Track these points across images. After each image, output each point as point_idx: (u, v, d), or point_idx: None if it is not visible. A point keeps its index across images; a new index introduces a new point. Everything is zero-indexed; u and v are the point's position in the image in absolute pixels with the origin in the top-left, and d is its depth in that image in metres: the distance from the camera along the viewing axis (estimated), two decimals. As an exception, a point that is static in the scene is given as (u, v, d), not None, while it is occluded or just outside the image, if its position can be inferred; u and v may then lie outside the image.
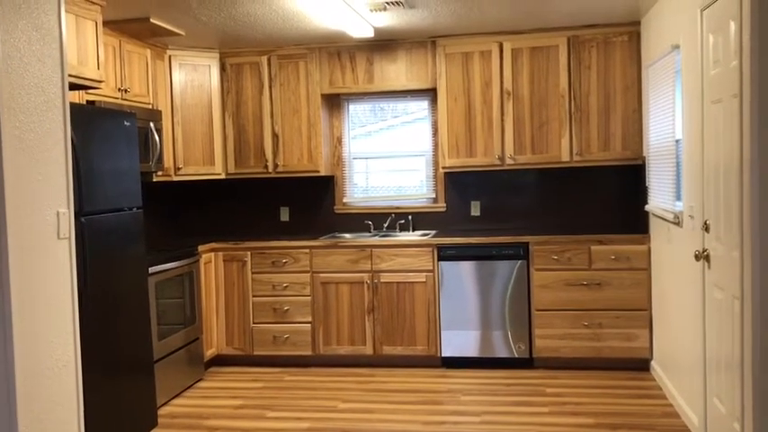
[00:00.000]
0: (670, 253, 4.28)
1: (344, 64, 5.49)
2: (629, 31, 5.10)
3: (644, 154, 5.02)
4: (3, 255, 2.59)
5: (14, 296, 2.61)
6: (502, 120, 5.27)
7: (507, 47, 5.23)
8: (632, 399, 4.39)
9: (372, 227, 5.80)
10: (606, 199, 5.50)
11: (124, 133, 3.88)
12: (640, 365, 4.94)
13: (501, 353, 5.08)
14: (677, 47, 3.96)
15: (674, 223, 4.08)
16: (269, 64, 5.55)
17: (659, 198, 4.50)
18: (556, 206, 5.58)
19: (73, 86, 3.83)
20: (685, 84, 3.83)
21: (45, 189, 2.82)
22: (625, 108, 5.13)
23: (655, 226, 4.74)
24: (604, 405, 4.29)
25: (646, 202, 4.91)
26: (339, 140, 5.87)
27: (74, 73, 3.71)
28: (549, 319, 5.00)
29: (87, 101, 4.24)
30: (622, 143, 5.14)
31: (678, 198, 4.09)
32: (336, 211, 5.89)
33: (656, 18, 4.54)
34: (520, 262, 5.03)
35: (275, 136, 5.57)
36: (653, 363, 4.86)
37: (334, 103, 5.84)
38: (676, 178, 4.10)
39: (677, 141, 4.08)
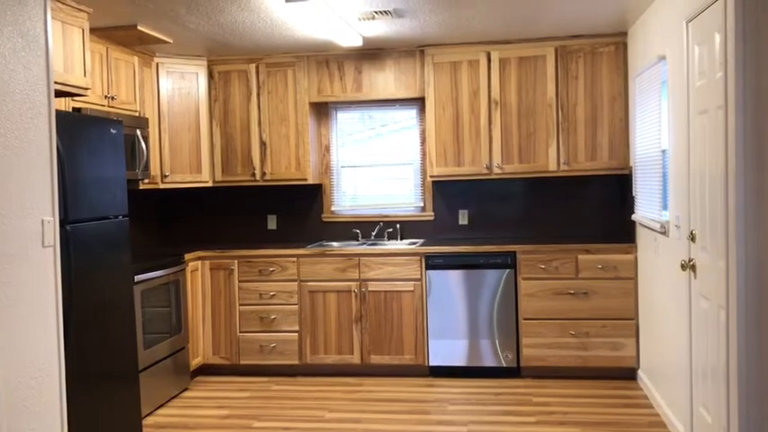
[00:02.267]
0: (656, 262, 4.30)
1: (333, 72, 5.49)
2: (616, 42, 5.13)
3: (631, 164, 5.05)
4: (-14, 263, 2.56)
5: (-3, 305, 2.59)
6: (490, 129, 5.29)
7: (495, 56, 5.26)
8: (619, 408, 4.40)
9: (360, 235, 5.79)
10: (593, 208, 5.53)
11: (110, 141, 3.86)
12: (627, 374, 4.95)
13: (488, 362, 5.08)
14: (663, 58, 3.99)
15: (661, 233, 4.10)
16: (257, 72, 5.55)
17: (646, 208, 4.52)
18: (543, 215, 5.59)
19: (59, 93, 3.80)
20: (671, 94, 3.85)
21: (30, 196, 2.80)
22: (612, 118, 5.17)
23: (641, 235, 4.76)
24: (591, 414, 4.30)
25: (632, 212, 4.94)
26: (327, 149, 5.86)
27: (60, 80, 3.69)
28: (536, 328, 5.01)
29: (73, 108, 4.22)
30: (609, 153, 5.17)
31: (665, 208, 4.11)
32: (324, 220, 5.88)
33: (643, 29, 4.57)
34: (507, 271, 5.04)
35: (263, 144, 5.56)
36: (639, 372, 4.87)
37: (323, 111, 5.84)
38: (663, 188, 4.12)
39: (663, 151, 4.11)
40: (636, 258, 4.90)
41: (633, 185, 4.91)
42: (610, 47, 5.14)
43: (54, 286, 2.95)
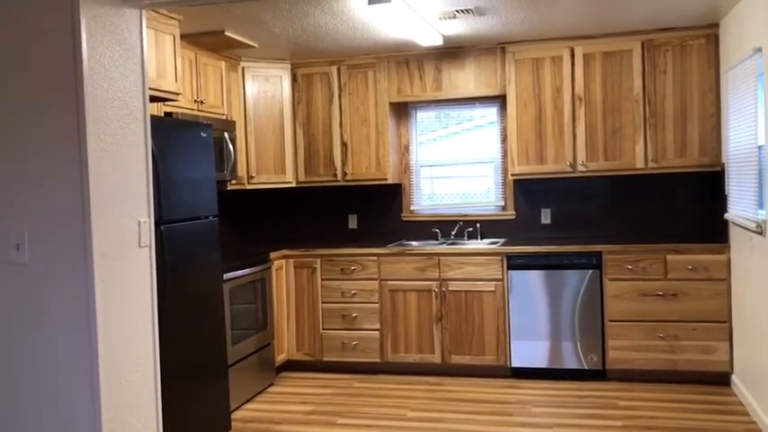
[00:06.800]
0: (752, 263, 4.12)
1: (413, 72, 5.51)
2: (707, 34, 4.94)
3: (723, 161, 4.85)
4: (88, 261, 2.70)
5: (98, 301, 2.72)
6: (573, 126, 5.19)
7: (579, 52, 5.15)
8: (711, 414, 4.24)
9: (440, 235, 5.79)
10: (683, 207, 5.34)
11: (201, 144, 3.99)
12: (719, 380, 4.77)
13: (570, 364, 4.98)
14: (759, 50, 3.82)
15: (757, 233, 3.92)
16: (338, 74, 5.62)
17: (740, 206, 4.33)
18: (630, 214, 5.44)
19: (152, 99, 3.96)
20: (768, 88, 3.68)
21: (127, 198, 2.93)
22: (702, 113, 4.98)
23: (735, 235, 4.57)
24: (680, 420, 4.16)
25: (725, 211, 4.74)
26: (406, 148, 5.88)
27: (153, 86, 3.84)
28: (622, 330, 4.88)
29: (165, 112, 4.38)
30: (700, 149, 4.98)
31: (761, 206, 3.93)
32: (404, 219, 5.91)
33: (736, 21, 4.39)
34: (591, 271, 4.93)
35: (344, 145, 5.63)
36: (733, 377, 4.67)
37: (402, 111, 5.86)
38: (759, 185, 3.94)
39: (759, 147, 3.93)
40: (729, 259, 4.70)
41: (726, 183, 4.71)
42: (700, 39, 4.96)
43: (150, 285, 3.07)
